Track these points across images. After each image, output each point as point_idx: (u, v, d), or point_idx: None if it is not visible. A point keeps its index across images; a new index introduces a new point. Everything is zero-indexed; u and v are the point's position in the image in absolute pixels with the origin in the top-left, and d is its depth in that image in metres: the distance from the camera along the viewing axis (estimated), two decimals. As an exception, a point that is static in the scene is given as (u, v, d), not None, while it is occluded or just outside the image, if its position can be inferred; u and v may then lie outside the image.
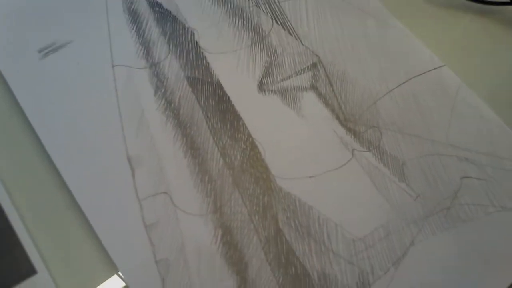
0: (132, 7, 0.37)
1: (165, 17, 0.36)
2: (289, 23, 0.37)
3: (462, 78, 0.35)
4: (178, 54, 0.35)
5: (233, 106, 0.33)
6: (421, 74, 0.35)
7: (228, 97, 0.33)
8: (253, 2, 0.37)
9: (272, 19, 0.37)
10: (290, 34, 0.36)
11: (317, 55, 0.35)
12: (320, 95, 0.34)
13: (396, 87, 0.34)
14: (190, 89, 0.33)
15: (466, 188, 0.32)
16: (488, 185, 0.32)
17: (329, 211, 0.30)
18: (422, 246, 0.30)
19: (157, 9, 0.37)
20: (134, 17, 0.36)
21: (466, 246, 0.30)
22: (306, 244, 0.29)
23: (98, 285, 0.28)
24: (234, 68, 0.34)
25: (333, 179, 0.31)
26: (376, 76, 0.35)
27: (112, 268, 0.28)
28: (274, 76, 0.34)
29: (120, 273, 0.28)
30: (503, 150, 0.33)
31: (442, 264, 0.29)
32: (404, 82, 0.35)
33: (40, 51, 0.34)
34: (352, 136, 0.33)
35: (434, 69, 0.35)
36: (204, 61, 0.34)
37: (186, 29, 0.36)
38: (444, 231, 0.30)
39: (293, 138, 0.32)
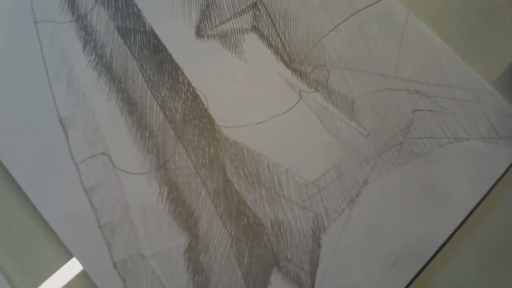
0: (51, -45, 0.33)
1: (89, -36, 0.33)
2: (224, -39, 0.34)
3: (409, 7, 0.34)
4: (106, 3, 0.32)
5: (170, 55, 0.31)
6: (367, 7, 0.33)
7: (164, 46, 0.31)
8: None
9: (206, -42, 0.34)
10: (227, -27, 0.33)
11: (257, -6, 0.33)
12: (262, 36, 0.32)
13: (342, 22, 0.33)
14: (122, 41, 0.31)
15: (419, 121, 0.31)
16: (441, 117, 0.31)
17: (279, 157, 0.29)
18: (376, 184, 0.29)
19: (79, -45, 0.33)
20: (54, -34, 0.33)
21: (420, 181, 0.29)
22: (257, 193, 0.28)
23: (53, 272, 0.27)
24: (168, 14, 0.32)
25: (281, 124, 0.30)
26: (321, 12, 0.33)
27: (67, 254, 0.27)
28: (212, 19, 0.32)
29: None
30: (454, 79, 0.32)
31: (397, 201, 0.29)
32: (350, 16, 0.33)
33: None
34: (299, 77, 0.31)
35: (380, 0, 0.33)
36: (135, 8, 0.32)
37: (112, -25, 0.33)
38: (397, 166, 0.30)
39: (236, 85, 0.30)
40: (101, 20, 0.31)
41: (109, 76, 0.30)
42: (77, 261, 0.26)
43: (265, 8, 0.33)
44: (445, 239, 0.28)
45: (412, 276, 0.27)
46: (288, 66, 0.31)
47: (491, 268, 0.29)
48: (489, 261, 0.29)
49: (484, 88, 0.32)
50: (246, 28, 0.32)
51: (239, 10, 0.32)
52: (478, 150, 0.30)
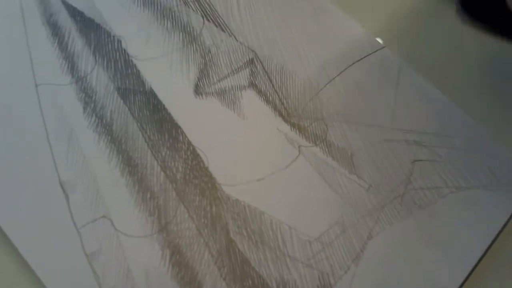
0: (52, 19, 0.34)
1: (89, 27, 0.34)
2: (220, 19, 0.35)
3: (403, 58, 0.35)
4: (105, 65, 0.32)
5: (169, 114, 0.31)
6: (361, 59, 0.34)
7: (164, 105, 0.31)
8: (181, 0, 0.35)
9: (202, 17, 0.35)
10: (223, 30, 0.34)
11: (253, 50, 0.34)
12: (260, 92, 0.32)
13: (337, 75, 0.33)
14: (122, 101, 0.31)
15: (418, 171, 0.31)
16: (441, 166, 0.31)
17: (281, 214, 0.29)
18: (380, 238, 0.29)
19: (79, 18, 0.34)
20: (54, 30, 0.33)
21: (425, 233, 0.29)
22: (261, 253, 0.28)
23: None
24: (167, 73, 0.32)
25: (282, 180, 0.30)
26: (316, 66, 0.33)
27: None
28: (210, 77, 0.32)
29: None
30: (452, 128, 0.32)
31: (402, 255, 0.28)
32: (344, 69, 0.33)
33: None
34: (297, 132, 0.31)
35: (374, 52, 0.34)
36: (134, 69, 0.32)
37: (112, 37, 0.33)
38: (401, 219, 0.29)
39: (236, 141, 0.31)
40: (101, 81, 0.32)
41: (110, 137, 0.30)
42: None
43: (262, 64, 0.33)
44: (454, 291, 0.28)
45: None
46: (286, 120, 0.31)
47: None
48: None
49: (482, 136, 0.32)
50: (244, 85, 0.32)
51: (236, 67, 0.33)
52: (479, 199, 0.30)
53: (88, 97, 0.31)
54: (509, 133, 0.33)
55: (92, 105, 0.31)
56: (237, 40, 0.34)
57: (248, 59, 0.33)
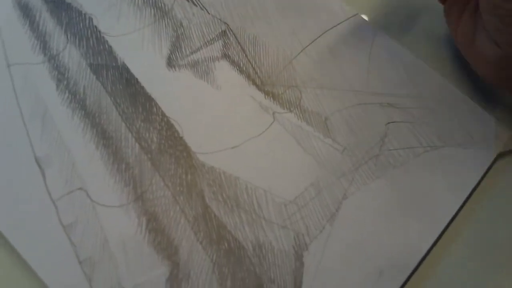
0: (22, 1, 0.34)
1: (59, 6, 0.34)
2: (191, -7, 0.35)
3: (376, 24, 0.35)
4: (77, 42, 0.32)
5: (142, 87, 0.31)
6: (334, 27, 0.34)
7: (137, 79, 0.31)
8: (152, -23, 0.35)
9: (173, -8, 0.35)
10: (195, 4, 0.34)
11: (225, 22, 0.34)
12: (233, 62, 0.32)
13: (310, 43, 0.33)
14: (95, 77, 0.31)
15: (393, 133, 0.31)
16: (415, 127, 0.31)
17: (256, 179, 0.29)
18: (355, 198, 0.29)
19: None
20: (25, 11, 0.34)
21: (399, 192, 0.29)
22: (236, 216, 0.28)
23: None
24: (139, 48, 0.32)
25: (256, 146, 0.30)
26: (289, 35, 0.34)
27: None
28: (183, 50, 0.33)
29: (43, 280, 0.26)
30: (426, 89, 0.33)
31: (377, 214, 0.29)
32: (318, 37, 0.34)
33: None
34: (271, 99, 0.31)
35: (347, 19, 0.34)
36: (106, 45, 0.32)
37: (83, 16, 0.33)
38: (375, 179, 0.30)
39: (210, 111, 0.31)
40: (73, 59, 0.32)
41: (83, 112, 0.30)
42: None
43: (234, 35, 0.33)
44: (428, 248, 0.28)
45: (398, 287, 0.27)
46: (260, 89, 0.32)
47: (476, 273, 0.29)
48: (474, 266, 0.29)
49: (456, 96, 0.32)
50: (217, 56, 0.33)
51: (209, 39, 0.33)
52: (454, 157, 0.31)
53: (60, 75, 0.31)
54: (483, 92, 0.33)
55: (65, 82, 0.31)
56: (209, 13, 0.34)
57: (220, 31, 0.33)
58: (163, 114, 0.30)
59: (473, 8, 0.30)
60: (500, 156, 0.32)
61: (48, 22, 0.33)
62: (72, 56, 0.32)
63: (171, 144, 0.30)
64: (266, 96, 0.31)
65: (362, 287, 0.27)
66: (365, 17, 0.35)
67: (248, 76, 0.32)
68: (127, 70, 0.32)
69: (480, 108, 0.32)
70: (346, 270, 0.27)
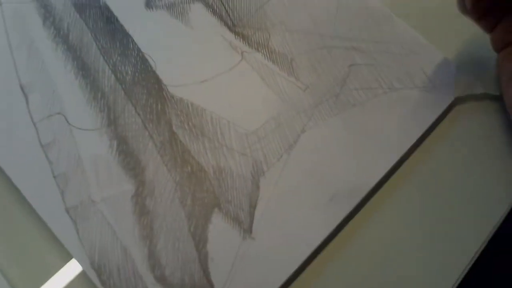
0: None
1: (50, -49, 0.36)
2: None
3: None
4: (64, -16, 0.35)
5: (121, 25, 0.33)
6: (307, -25, 0.36)
7: (116, 18, 0.34)
8: None
9: None
10: (176, -49, 0.36)
11: (203, -32, 0.36)
12: (207, 5, 0.34)
13: (282, -11, 0.35)
14: (78, 15, 0.34)
15: (355, 74, 0.33)
16: (376, 69, 0.33)
17: (222, 111, 0.31)
18: (313, 132, 0.31)
19: None
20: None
21: (355, 129, 0.31)
22: (200, 143, 0.30)
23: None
24: (120, -11, 0.35)
25: (224, 81, 0.32)
26: (262, -19, 0.35)
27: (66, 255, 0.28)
28: (161, -8, 0.35)
29: (22, 192, 0.29)
30: (390, 36, 0.34)
31: (333, 146, 0.31)
32: (290, -16, 0.35)
33: None
34: (241, 40, 0.33)
35: (319, -33, 0.36)
36: (91, -13, 0.35)
37: (71, -41, 0.36)
38: (333, 116, 0.32)
39: (182, 48, 0.33)
40: (60, -2, 0.34)
41: (66, 46, 0.33)
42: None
43: (211, -20, 0.35)
44: (380, 177, 0.30)
45: (348, 211, 0.29)
46: (231, 30, 0.34)
47: (422, 208, 0.30)
48: (422, 206, 0.30)
49: (418, 42, 0.34)
50: (192, -1, 0.35)
51: (186, -17, 0.35)
52: (412, 99, 0.32)
53: (47, 12, 0.34)
54: (444, 37, 0.34)
55: (51, 19, 0.34)
56: (188, -40, 0.36)
57: (197, -24, 0.35)
58: (139, 50, 0.33)
59: None
60: (459, 101, 0.33)
61: (38, -36, 0.36)
62: (59, -4, 0.34)
63: (144, 77, 0.32)
64: (237, 36, 0.33)
65: (313, 209, 0.29)
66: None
67: (221, 18, 0.34)
68: (108, 9, 0.34)
69: (441, 54, 0.34)
70: (300, 194, 0.29)
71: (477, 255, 0.29)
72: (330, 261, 0.29)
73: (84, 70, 0.32)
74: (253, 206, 0.29)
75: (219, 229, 0.28)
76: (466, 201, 0.30)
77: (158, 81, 0.32)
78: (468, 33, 0.34)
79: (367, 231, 0.29)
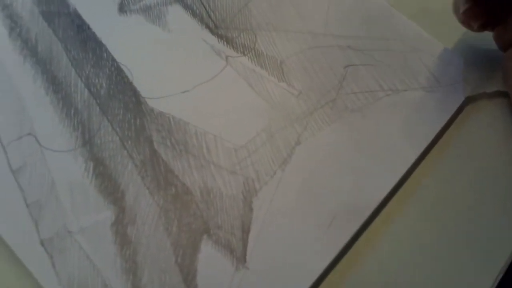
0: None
1: (14, -47, 0.33)
2: None
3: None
4: (30, -11, 0.32)
5: (93, 33, 0.31)
6: (295, -33, 0.33)
7: (88, 25, 0.31)
8: None
9: None
10: None
11: (181, -34, 0.33)
12: (186, 6, 0.31)
13: (268, -15, 0.32)
14: (47, 24, 0.31)
15: (352, 76, 0.30)
16: (376, 70, 0.30)
17: (207, 124, 0.28)
18: (309, 143, 0.28)
19: None
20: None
21: (356, 137, 0.28)
22: (185, 161, 0.28)
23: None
24: (91, -6, 0.32)
25: (208, 91, 0.29)
26: (246, -24, 0.32)
27: None
28: (136, -6, 0.32)
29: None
30: (389, 31, 0.31)
31: (331, 159, 0.28)
32: (276, -22, 0.32)
33: None
34: (225, 43, 0.30)
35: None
36: (59, -8, 0.32)
37: (37, -38, 0.33)
38: (331, 124, 0.29)
39: (160, 56, 0.30)
40: (26, 7, 0.31)
41: (35, 59, 0.30)
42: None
43: (190, -22, 0.32)
44: (384, 195, 0.27)
45: (351, 234, 0.26)
46: (213, 32, 0.31)
47: (435, 224, 0.27)
48: (434, 218, 0.28)
49: (421, 36, 0.31)
50: (170, 0, 0.31)
51: (163, -18, 0.32)
52: (417, 101, 0.29)
53: (13, 23, 0.31)
54: (450, 32, 0.31)
55: (18, 30, 0.31)
56: (164, -44, 0.33)
57: (175, -26, 0.32)
58: (113, 59, 0.30)
59: None
60: (469, 101, 0.30)
61: (1, -31, 0.33)
62: (25, 4, 0.31)
63: (120, 90, 0.29)
64: (219, 40, 0.30)
65: (313, 232, 0.26)
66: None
67: (201, 20, 0.31)
68: (78, 16, 0.31)
69: (448, 49, 0.31)
70: (297, 216, 0.27)
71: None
72: None
73: (55, 84, 0.29)
74: (246, 231, 0.26)
75: (209, 259, 0.25)
76: (486, 216, 0.27)
77: (135, 93, 0.29)
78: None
79: (374, 252, 0.27)
